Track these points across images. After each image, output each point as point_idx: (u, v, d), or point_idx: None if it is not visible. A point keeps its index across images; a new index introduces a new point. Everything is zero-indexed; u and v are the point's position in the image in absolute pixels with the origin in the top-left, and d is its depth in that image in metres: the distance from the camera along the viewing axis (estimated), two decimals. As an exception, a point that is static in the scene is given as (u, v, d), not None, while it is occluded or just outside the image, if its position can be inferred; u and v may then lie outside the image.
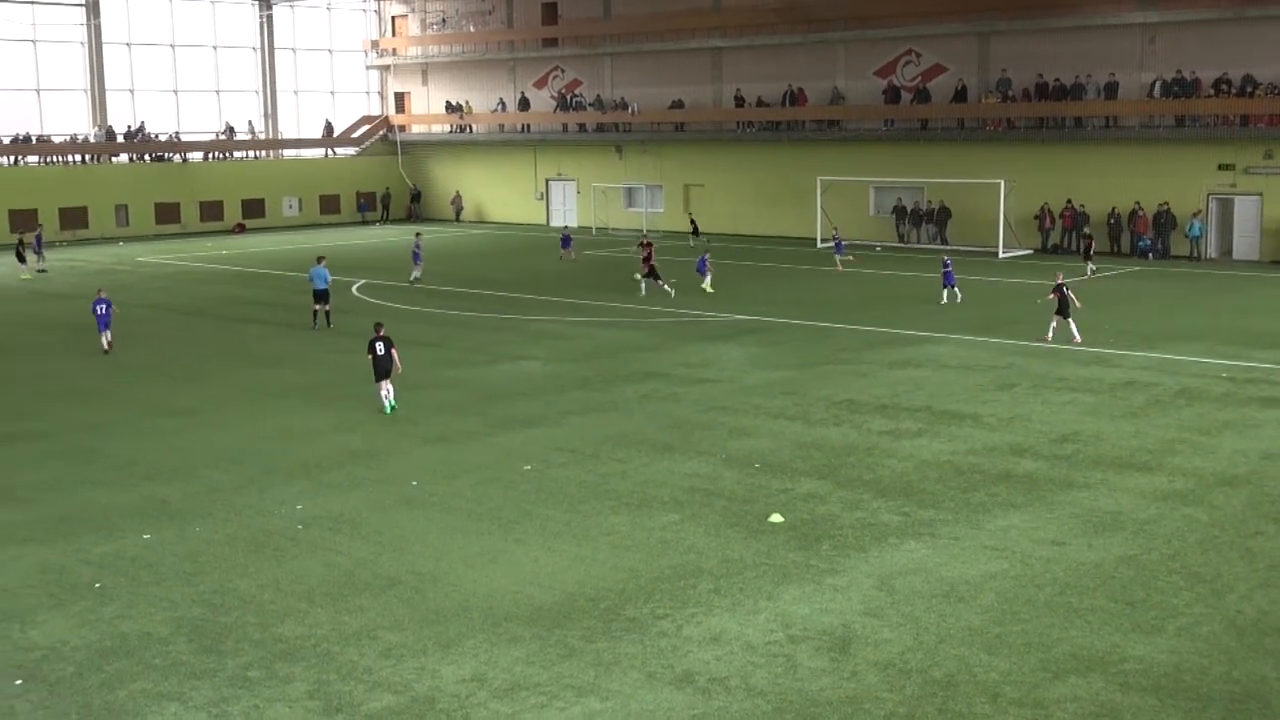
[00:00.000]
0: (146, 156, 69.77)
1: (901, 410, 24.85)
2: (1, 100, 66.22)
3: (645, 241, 44.74)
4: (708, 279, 41.93)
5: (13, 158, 65.73)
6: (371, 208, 76.44)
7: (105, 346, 32.89)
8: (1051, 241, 53.63)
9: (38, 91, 67.45)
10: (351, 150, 77.73)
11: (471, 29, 75.09)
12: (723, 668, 13.14)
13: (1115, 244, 52.17)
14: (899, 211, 58.34)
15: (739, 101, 63.59)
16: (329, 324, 35.98)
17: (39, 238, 53.02)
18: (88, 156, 67.97)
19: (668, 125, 66.75)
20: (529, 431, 23.64)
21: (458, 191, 74.82)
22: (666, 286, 41.21)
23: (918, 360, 30.00)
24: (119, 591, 15.61)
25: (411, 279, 45.29)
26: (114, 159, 69.03)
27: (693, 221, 64.46)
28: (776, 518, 18.07)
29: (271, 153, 75.66)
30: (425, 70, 77.64)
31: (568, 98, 70.84)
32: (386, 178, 77.70)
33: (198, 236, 68.12)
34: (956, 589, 15.26)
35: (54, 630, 14.43)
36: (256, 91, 75.71)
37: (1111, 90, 52.52)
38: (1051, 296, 32.32)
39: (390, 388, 25.50)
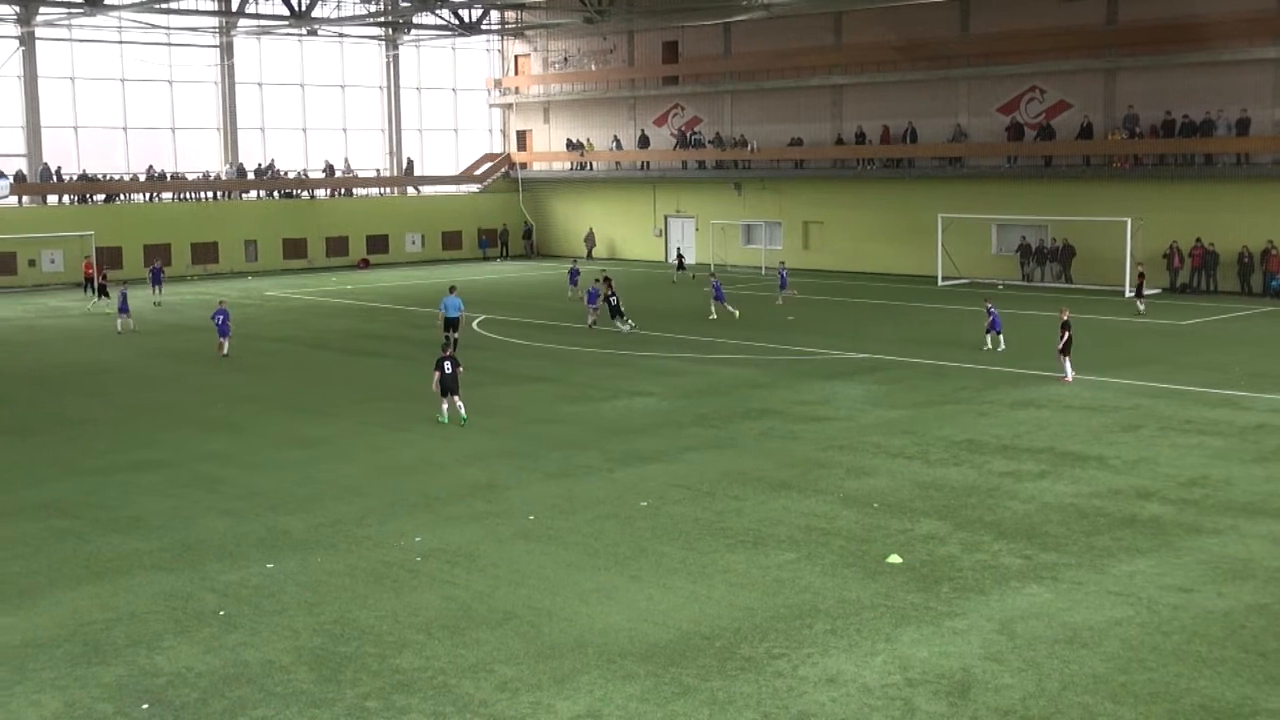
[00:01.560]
0: (275, 193, 71.47)
1: (1023, 451, 24.43)
2: (139, 138, 68.35)
3: (605, 278, 44.71)
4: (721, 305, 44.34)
5: (149, 194, 67.79)
6: (492, 244, 77.37)
7: (223, 352, 37.82)
8: (1181, 280, 52.47)
9: (173, 130, 69.49)
10: (474, 187, 78.79)
11: (593, 67, 75.81)
12: (839, 710, 12.98)
13: (1245, 284, 50.90)
14: (1023, 250, 57.53)
15: (859, 138, 63.33)
16: (455, 351, 36.49)
17: (157, 271, 54.69)
18: (219, 193, 69.81)
19: (787, 162, 66.70)
20: (646, 467, 23.64)
21: (591, 229, 75.18)
22: (624, 326, 41.71)
23: (1040, 400, 29.49)
24: (242, 619, 15.89)
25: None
26: (244, 195, 70.83)
27: (679, 256, 64.99)
28: (895, 558, 17.84)
29: (396, 190, 77.01)
30: (547, 108, 78.53)
31: (687, 135, 71.13)
32: (507, 214, 78.64)
33: (323, 271, 69.48)
34: (1080, 635, 14.91)
35: (179, 656, 14.73)
36: (382, 130, 77.18)
37: (1243, 126, 51.35)
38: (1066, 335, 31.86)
39: (460, 402, 27.71)
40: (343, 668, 14.29)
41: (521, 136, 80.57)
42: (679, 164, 71.57)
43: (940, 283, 56.26)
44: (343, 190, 74.02)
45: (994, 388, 31.10)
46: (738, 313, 44.58)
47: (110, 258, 62.45)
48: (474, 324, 44.64)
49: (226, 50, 70.07)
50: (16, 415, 29.98)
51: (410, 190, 77.36)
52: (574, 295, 50.24)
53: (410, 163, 76.49)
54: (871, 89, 63.29)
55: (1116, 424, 26.72)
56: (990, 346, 36.80)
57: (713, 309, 45.13)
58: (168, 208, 67.97)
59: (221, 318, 38.48)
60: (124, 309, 44.51)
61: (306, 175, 72.69)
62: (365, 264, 72.09)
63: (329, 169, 73.71)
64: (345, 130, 75.72)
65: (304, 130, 74.10)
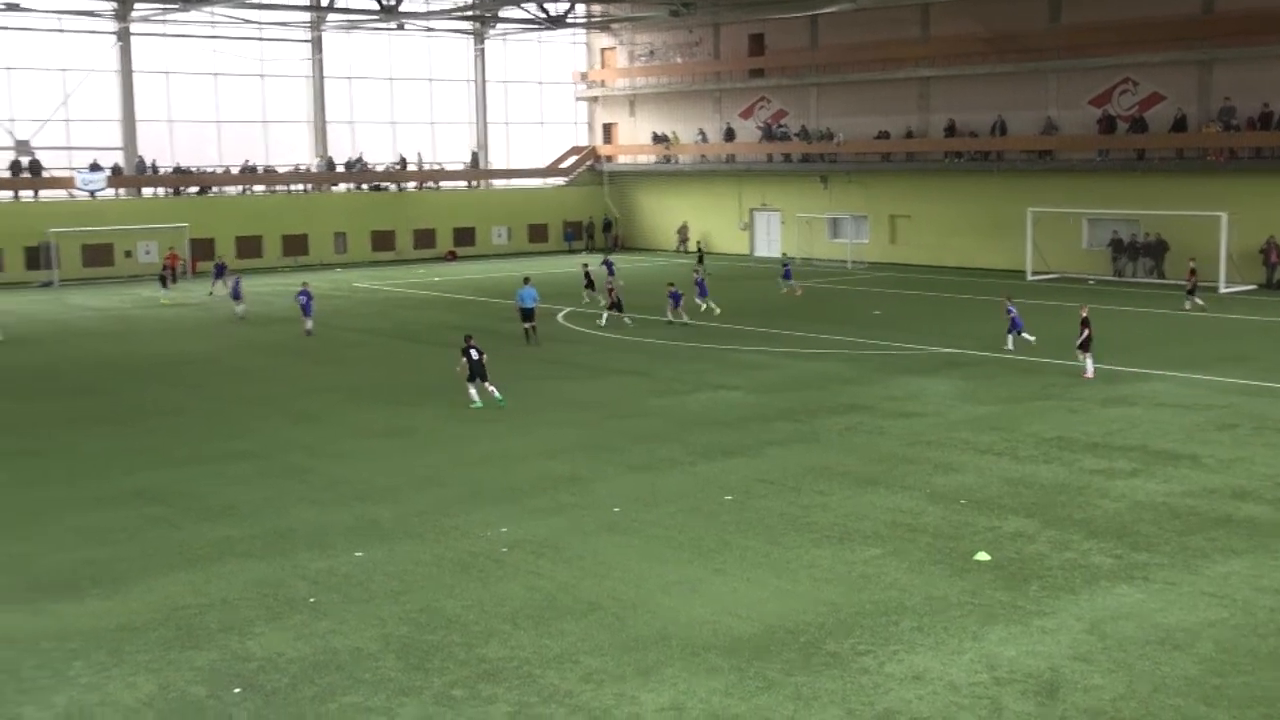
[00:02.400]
0: (364, 186, 72.24)
1: (1115, 449, 24.07)
2: (232, 132, 69.37)
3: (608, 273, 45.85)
4: (706, 301, 44.38)
5: (241, 187, 68.86)
6: (577, 237, 77.62)
7: (307, 330, 40.64)
8: (1277, 277, 51.38)
9: (264, 123, 70.46)
10: (559, 180, 79.08)
11: (678, 60, 75.74)
12: (925, 708, 12.87)
13: (1346, 280, 49.75)
14: (1115, 244, 56.64)
15: (948, 131, 62.70)
16: (535, 341, 38.08)
17: (220, 268, 55.70)
18: (309, 186, 70.72)
19: (873, 155, 66.19)
20: (730, 461, 23.61)
21: (685, 222, 74.97)
22: (626, 319, 42.22)
23: (1132, 398, 29.04)
24: (332, 607, 16.09)
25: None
26: (334, 188, 71.69)
27: (700, 248, 65.36)
28: (982, 556, 17.66)
29: (482, 183, 77.50)
30: (632, 101, 78.60)
31: (773, 128, 70.83)
32: (592, 207, 78.88)
33: (411, 263, 70.08)
34: (1172, 636, 14.67)
35: (270, 642, 14.94)
36: (470, 123, 77.68)
37: (1344, 119, 50.17)
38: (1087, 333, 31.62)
39: (490, 386, 28.97)
40: (430, 656, 14.42)
41: (607, 130, 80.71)
42: (764, 157, 71.29)
43: (1029, 277, 55.57)
44: (430, 183, 74.62)
45: (1084, 384, 30.66)
46: (718, 309, 44.33)
47: (203, 249, 63.44)
48: (559, 317, 44.80)
49: (317, 45, 70.92)
50: (112, 405, 30.58)
51: (496, 183, 77.83)
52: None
53: (475, 155, 76.71)
54: (959, 81, 62.60)
55: (1210, 422, 26.24)
56: (1012, 347, 35.64)
57: (669, 313, 42.70)
58: (259, 200, 68.99)
59: (304, 299, 41.43)
60: (237, 295, 46.63)
61: (395, 168, 73.34)
62: (452, 256, 72.64)
63: (417, 162, 74.28)
64: (432, 124, 76.32)
65: (392, 124, 74.78)
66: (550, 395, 30.60)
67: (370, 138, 73.92)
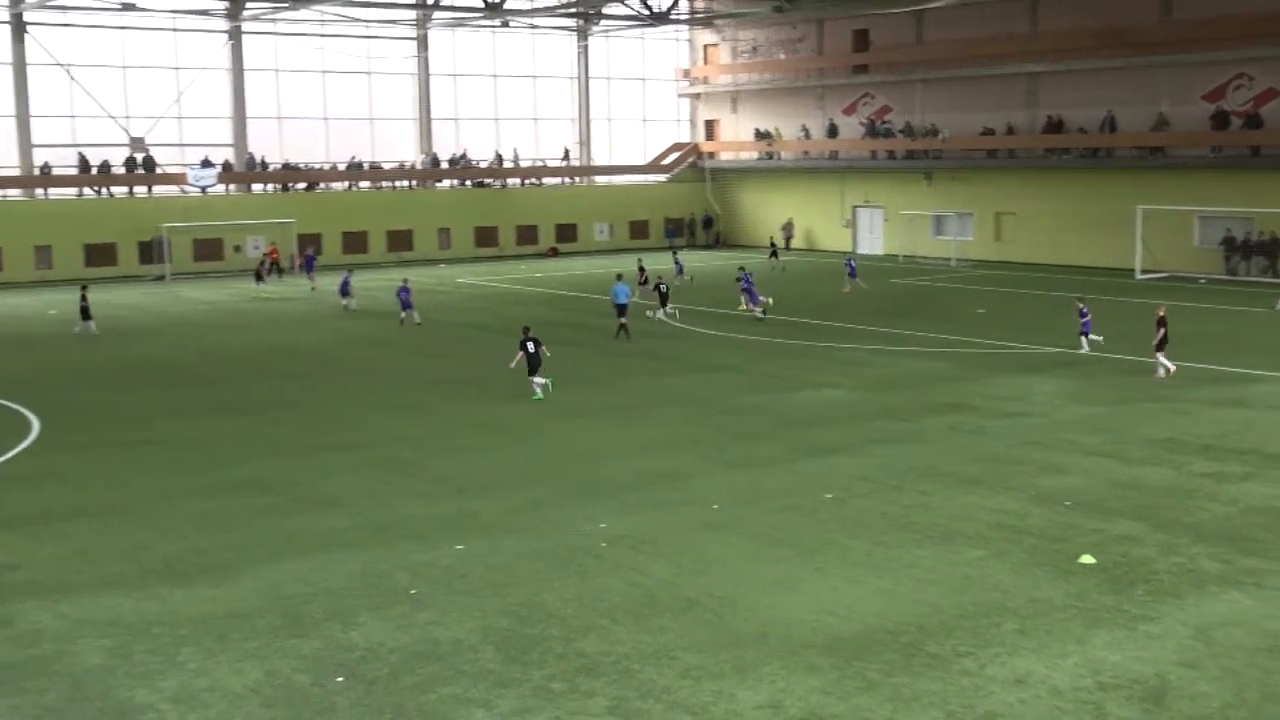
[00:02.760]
0: (468, 182, 72.91)
1: (1226, 451, 23.57)
2: (339, 128, 70.41)
3: (641, 267, 48.57)
4: (748, 303, 44.06)
5: (347, 183, 69.86)
6: (679, 233, 77.67)
7: (404, 319, 42.43)
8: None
9: (370, 120, 71.39)
10: (661, 177, 79.17)
11: (781, 56, 75.46)
12: (1027, 711, 12.72)
13: None
14: (1228, 243, 55.42)
15: (1055, 127, 61.75)
16: (628, 337, 38.35)
17: (310, 260, 56.57)
18: (414, 182, 71.55)
19: (979, 151, 65.42)
20: (831, 459, 23.50)
21: (790, 219, 74.63)
22: (661, 314, 43.05)
23: (1245, 400, 28.41)
24: (433, 598, 16.28)
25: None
26: (438, 184, 72.44)
27: (773, 244, 65.57)
28: (1088, 559, 17.40)
29: (584, 179, 77.84)
30: (735, 98, 78.44)
31: (877, 124, 70.29)
32: (694, 204, 78.88)
33: (513, 259, 70.62)
34: (1284, 644, 14.35)
35: (372, 632, 15.16)
36: (572, 119, 78.07)
37: None
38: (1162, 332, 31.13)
39: (542, 378, 29.78)
40: (529, 649, 14.54)
41: (709, 126, 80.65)
42: (868, 153, 70.80)
43: (1138, 276, 54.58)
44: (532, 179, 75.11)
45: (1195, 385, 30.06)
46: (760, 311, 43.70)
47: (310, 245, 64.43)
48: (660, 313, 44.83)
49: (422, 42, 71.70)
50: (224, 396, 31.22)
51: (598, 180, 78.11)
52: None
53: (566, 151, 76.83)
54: (1068, 77, 61.63)
55: (1326, 426, 25.59)
56: (1087, 349, 34.84)
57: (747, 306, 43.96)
58: (364, 196, 69.96)
59: (405, 294, 43.24)
60: (346, 291, 47.68)
61: (498, 164, 73.90)
62: (554, 252, 73.07)
63: (513, 159, 74.77)
64: (535, 120, 76.81)
65: (495, 120, 75.38)
66: (649, 391, 30.68)
67: (474, 134, 74.57)
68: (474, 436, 26.05)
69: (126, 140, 63.89)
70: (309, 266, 57.09)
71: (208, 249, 64.11)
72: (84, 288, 42.67)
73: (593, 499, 21.01)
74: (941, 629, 14.93)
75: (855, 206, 72.23)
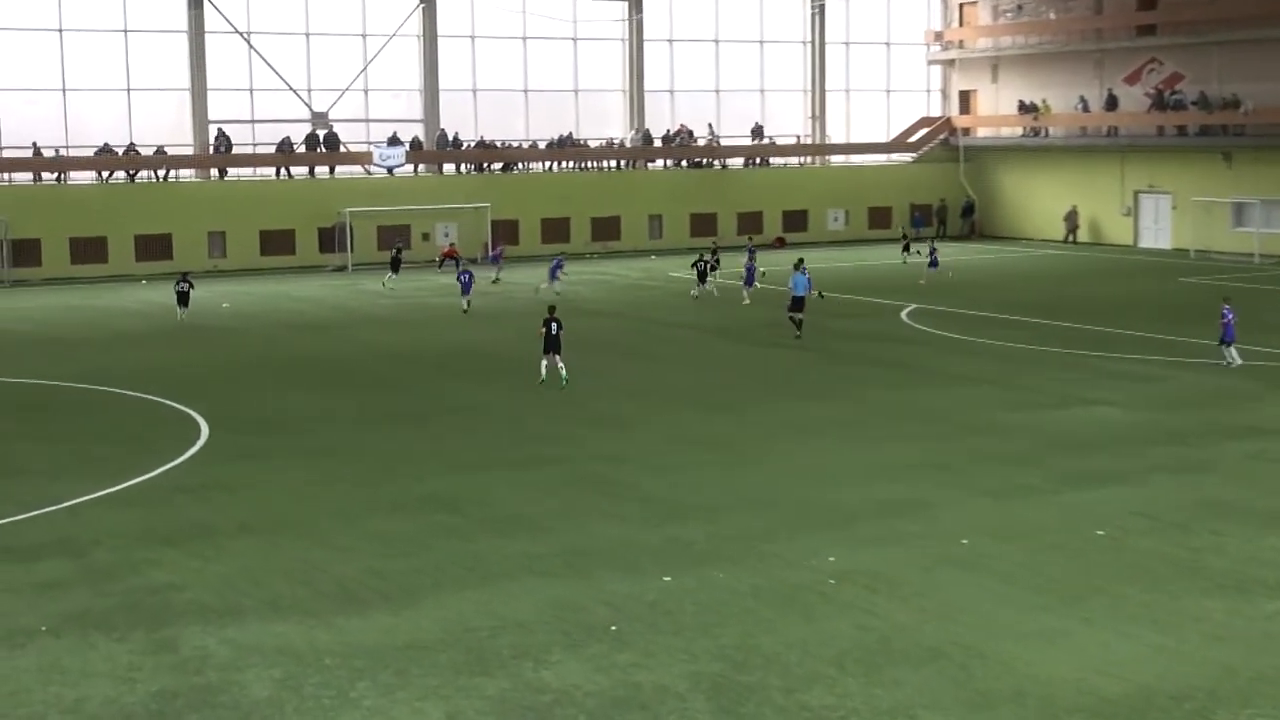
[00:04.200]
0: (683, 162, 73.23)
1: None
2: (540, 102, 71.55)
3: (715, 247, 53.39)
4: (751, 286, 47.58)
5: (548, 163, 70.90)
6: (927, 221, 76.71)
7: (464, 307, 46.32)
8: None
9: (575, 93, 72.30)
10: (906, 157, 78.40)
11: (1051, 16, 74.00)
12: (1340, 799, 12.18)
13: None
14: None
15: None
16: (800, 334, 39.22)
17: (496, 256, 58.07)
18: (623, 162, 72.17)
19: (1290, 127, 63.07)
20: (1103, 490, 22.97)
21: (1074, 207, 72.80)
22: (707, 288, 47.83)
23: None
24: (635, 637, 16.38)
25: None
26: (650, 165, 72.98)
27: (905, 235, 64.85)
28: None
29: (817, 159, 77.50)
30: (995, 65, 77.20)
31: (1165, 95, 68.35)
32: (945, 188, 77.78)
33: (733, 251, 70.63)
34: None
35: (567, 672, 15.34)
36: (805, 91, 77.84)
37: None
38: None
39: (561, 362, 32.27)
40: (744, 699, 14.51)
41: (964, 98, 79.52)
42: (1154, 129, 68.96)
43: None
44: (758, 160, 75.11)
45: None
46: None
47: (506, 232, 65.59)
48: (903, 314, 44.45)
49: (635, 4, 72.35)
50: (405, 400, 32.02)
51: (833, 160, 77.72)
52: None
53: (759, 127, 76.21)
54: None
55: None
56: (1228, 363, 33.63)
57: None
58: (567, 178, 70.90)
59: (465, 277, 47.48)
60: (555, 275, 49.83)
61: (718, 142, 74.11)
62: (780, 243, 72.86)
63: (709, 135, 74.90)
64: (762, 92, 76.82)
65: (716, 92, 75.64)
66: (886, 405, 30.38)
67: (692, 108, 74.77)
68: (685, 453, 26.16)
69: (308, 115, 66.12)
70: (496, 259, 58.16)
71: (394, 237, 65.40)
72: (185, 274, 47.27)
73: (820, 529, 20.89)
74: (1236, 695, 14.43)
75: (1137, 192, 70.30)
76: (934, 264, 53.94)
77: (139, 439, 28.07)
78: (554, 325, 32.50)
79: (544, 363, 32.63)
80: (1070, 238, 71.48)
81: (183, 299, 45.10)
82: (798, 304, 39.65)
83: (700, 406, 30.75)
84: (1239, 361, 34.19)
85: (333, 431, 28.68)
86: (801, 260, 41.81)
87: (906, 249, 61.96)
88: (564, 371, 32.37)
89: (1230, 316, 34.16)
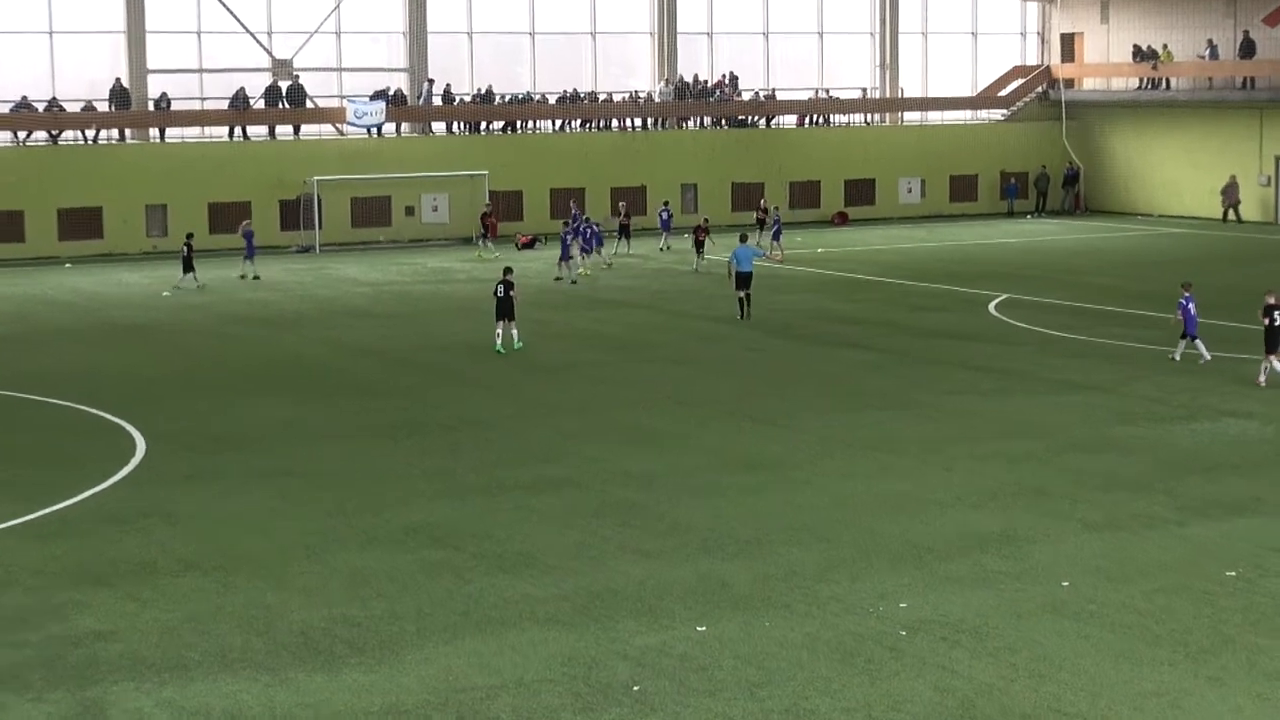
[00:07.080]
0: (723, 121, 73.13)
1: None
2: (549, 47, 71.67)
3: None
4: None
5: (558, 121, 70.84)
6: (1022, 193, 76.51)
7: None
8: None
9: (593, 35, 72.27)
10: (997, 114, 78.25)
11: (1175, -59, 73.93)
12: None
13: None
14: None
15: None
16: (749, 315, 42.12)
17: (598, 233, 57.49)
18: (650, 120, 72.05)
19: None
20: (1237, 522, 22.94)
21: (1233, 177, 72.04)
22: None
23: None
24: (663, 699, 16.36)
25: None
26: (683, 124, 72.85)
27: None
28: None
29: (888, 117, 77.39)
30: (1105, 3, 77.06)
31: (1314, 39, 68.27)
32: (1044, 152, 77.53)
33: (786, 228, 70.55)
34: None
35: (579, 743, 15.37)
36: (872, 34, 77.76)
37: None
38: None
39: (514, 329, 36.77)
40: (794, 776, 14.51)
41: (1068, 42, 79.39)
42: (1299, 81, 68.91)
43: None
44: (816, 118, 75.03)
45: None
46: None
47: (507, 205, 65.53)
48: (991, 306, 44.37)
49: (665, -73, 72.46)
50: (389, 410, 32.03)
51: (908, 117, 77.60)
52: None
53: (830, 94, 76.26)
54: None
55: None
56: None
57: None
58: (582, 139, 70.87)
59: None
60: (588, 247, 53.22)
61: (767, 97, 73.98)
62: (842, 219, 72.86)
63: (787, 89, 74.91)
64: (820, 34, 76.79)
65: (764, 35, 75.64)
66: (973, 417, 30.33)
67: (734, 54, 74.74)
68: (723, 475, 26.16)
69: (268, 64, 66.17)
70: (592, 239, 58.06)
71: (370, 211, 65.35)
72: (189, 235, 50.45)
73: (890, 567, 20.87)
74: (1398, 774, 14.38)
75: (1278, 157, 70.08)
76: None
77: (61, 457, 28.15)
78: (503, 288, 36.51)
79: (498, 330, 36.83)
80: (1231, 214, 70.76)
81: (187, 265, 46.94)
82: (743, 280, 42.20)
83: (744, 418, 30.75)
84: (1207, 357, 34.75)
85: (297, 448, 28.72)
86: (745, 234, 45.90)
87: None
88: (516, 337, 36.94)
89: (1190, 305, 34.82)
